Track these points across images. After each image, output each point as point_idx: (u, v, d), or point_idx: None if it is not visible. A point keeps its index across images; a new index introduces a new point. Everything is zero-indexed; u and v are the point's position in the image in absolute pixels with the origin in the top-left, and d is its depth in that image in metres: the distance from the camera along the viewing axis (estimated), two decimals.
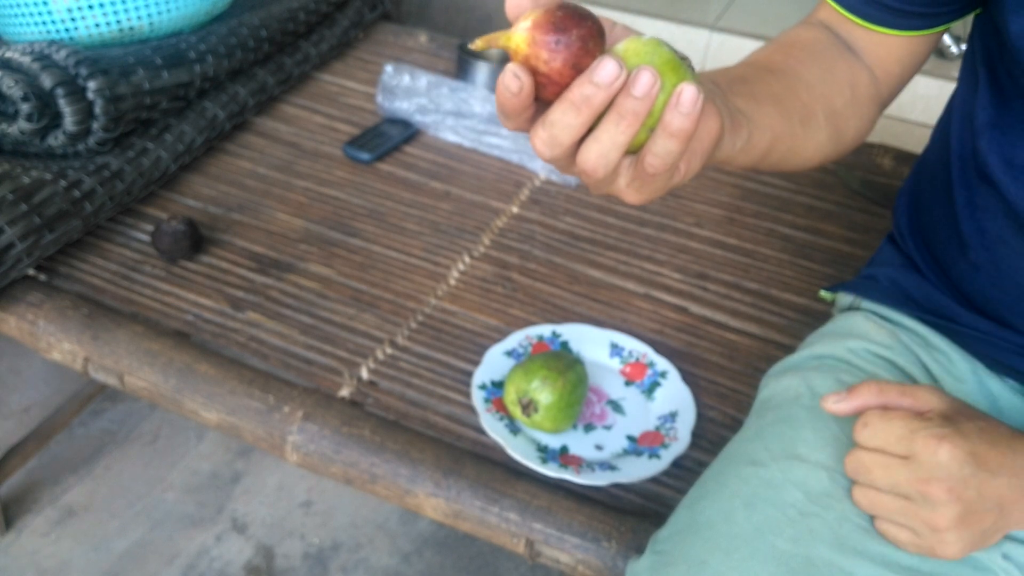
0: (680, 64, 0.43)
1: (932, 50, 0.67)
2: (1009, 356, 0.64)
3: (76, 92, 0.96)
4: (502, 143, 1.20)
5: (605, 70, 0.40)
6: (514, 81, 0.41)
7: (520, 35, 0.41)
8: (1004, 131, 0.60)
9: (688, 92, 0.41)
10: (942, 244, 0.68)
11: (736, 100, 0.54)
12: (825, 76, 0.63)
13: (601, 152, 0.43)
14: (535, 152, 0.44)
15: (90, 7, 1.02)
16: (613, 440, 0.83)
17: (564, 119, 0.42)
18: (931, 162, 0.71)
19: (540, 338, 0.91)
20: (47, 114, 0.95)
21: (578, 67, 0.41)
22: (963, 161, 0.65)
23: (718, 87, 0.53)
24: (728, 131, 0.50)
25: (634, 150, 0.44)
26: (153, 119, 1.08)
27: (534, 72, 0.41)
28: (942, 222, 0.67)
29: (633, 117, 0.41)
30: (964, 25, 1.77)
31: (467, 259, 1.03)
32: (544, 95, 0.42)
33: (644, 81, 0.40)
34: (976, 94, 0.63)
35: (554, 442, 0.82)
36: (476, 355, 0.90)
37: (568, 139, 0.42)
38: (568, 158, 0.44)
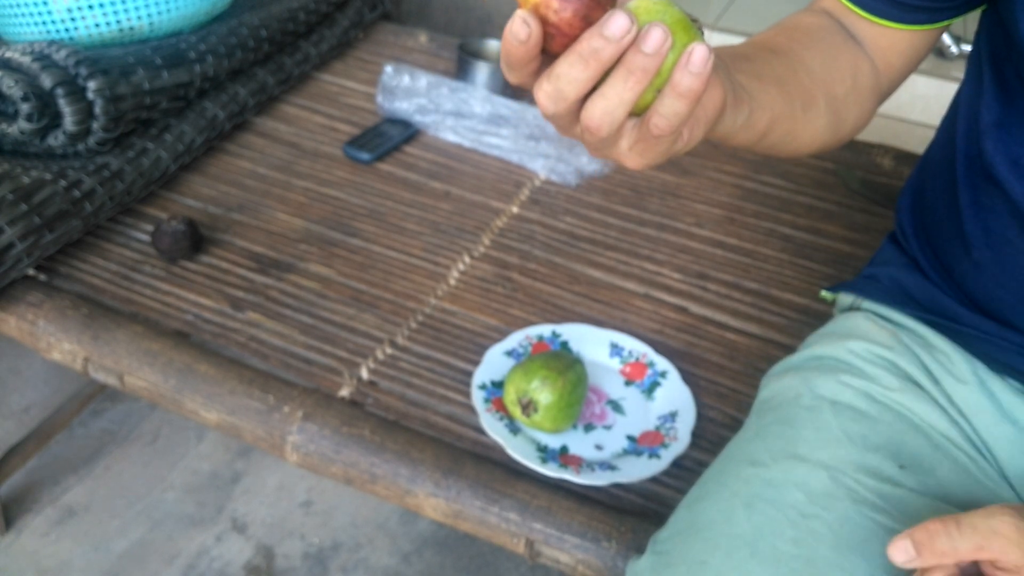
0: (691, 25, 0.42)
1: (934, 45, 0.67)
2: (1011, 356, 0.63)
3: (76, 92, 0.96)
4: (502, 143, 1.20)
5: (616, 23, 0.39)
6: (523, 28, 0.40)
7: None
8: (1010, 130, 0.60)
9: (699, 51, 0.40)
10: (946, 243, 0.68)
11: (739, 77, 0.53)
12: (827, 63, 0.63)
13: (607, 109, 0.42)
14: (538, 106, 0.43)
15: (90, 7, 1.02)
16: (613, 440, 0.83)
17: (571, 72, 0.41)
18: (935, 161, 0.71)
19: (540, 338, 0.91)
20: (47, 114, 0.95)
21: (588, 19, 0.40)
22: (968, 160, 0.65)
23: (721, 62, 0.52)
24: (730, 106, 0.50)
25: (639, 111, 0.43)
26: (153, 119, 1.08)
27: (543, 21, 0.40)
28: (946, 221, 0.67)
29: (642, 74, 0.40)
30: (964, 25, 1.76)
31: (467, 259, 1.03)
32: (551, 47, 0.41)
33: (655, 37, 0.39)
34: (982, 93, 0.63)
35: (554, 442, 0.82)
36: (476, 355, 0.90)
37: (573, 93, 0.41)
38: (571, 115, 0.43)
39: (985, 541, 0.47)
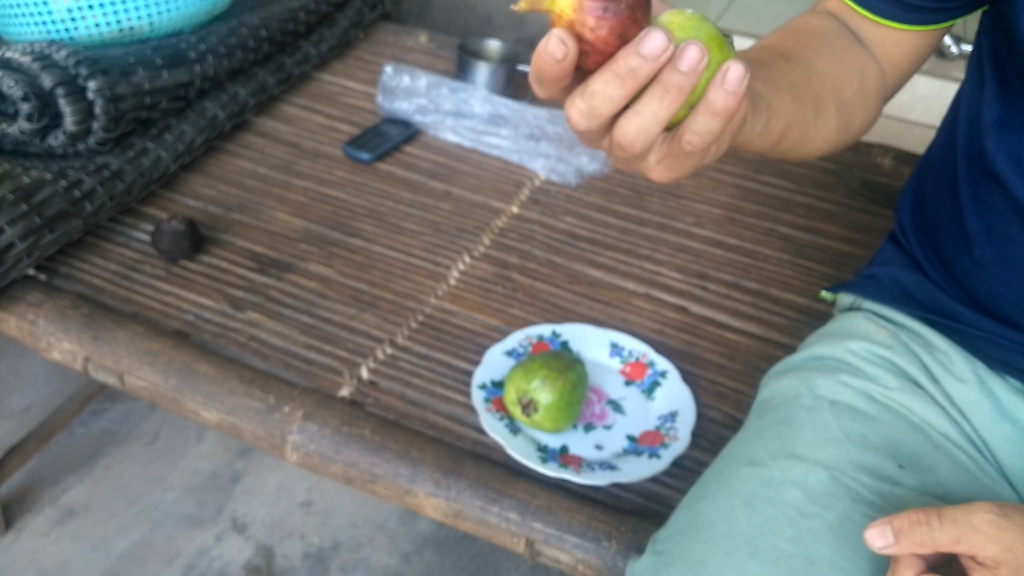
0: (724, 41, 0.42)
1: (937, 45, 0.68)
2: (1012, 355, 0.64)
3: (76, 92, 0.96)
4: (502, 143, 1.20)
5: (654, 42, 0.39)
6: (559, 48, 0.39)
7: (566, 0, 0.40)
8: (1011, 129, 0.60)
9: (735, 70, 0.40)
10: (947, 241, 0.68)
11: (755, 84, 0.53)
12: (835, 66, 0.63)
13: (641, 127, 0.41)
14: (569, 123, 0.43)
15: (90, 7, 1.02)
16: (613, 440, 0.83)
17: (606, 90, 0.40)
18: (937, 160, 0.71)
19: (540, 338, 0.91)
20: (47, 114, 0.95)
21: (624, 37, 0.40)
22: (970, 159, 0.65)
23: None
24: (749, 115, 0.50)
25: (670, 126, 0.43)
26: (153, 119, 1.08)
27: (577, 39, 0.40)
28: (948, 219, 0.67)
29: (678, 92, 0.40)
30: (963, 26, 1.76)
31: (467, 259, 1.03)
32: (585, 64, 0.41)
33: (692, 56, 0.39)
34: (983, 92, 0.63)
35: (554, 442, 0.82)
36: (476, 355, 0.90)
37: (608, 111, 0.41)
38: (601, 131, 0.43)
39: (963, 535, 0.47)
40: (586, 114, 0.42)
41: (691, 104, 0.42)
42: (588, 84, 0.41)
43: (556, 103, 1.26)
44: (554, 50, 0.39)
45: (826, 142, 0.63)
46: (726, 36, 0.42)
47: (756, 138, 0.53)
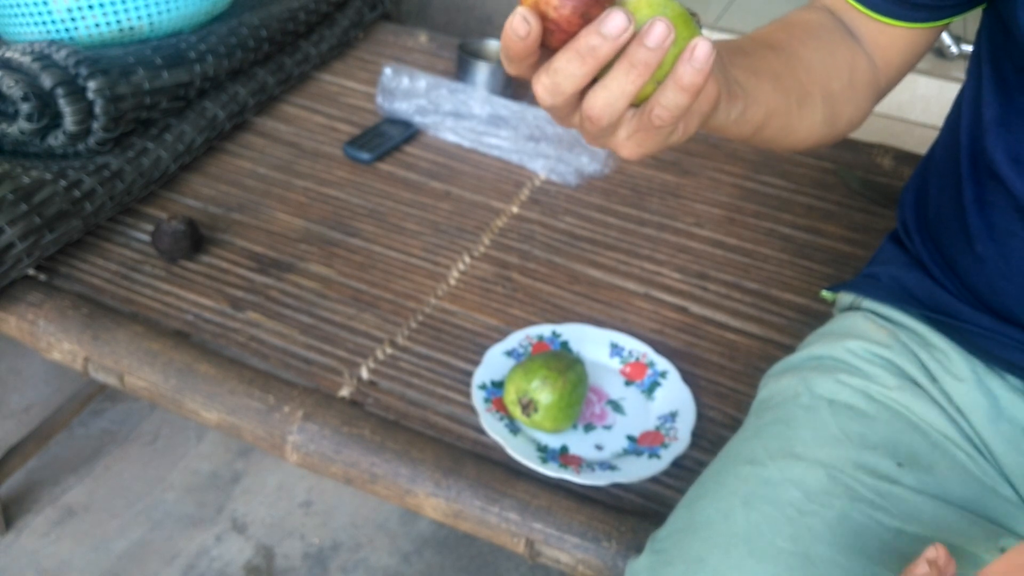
0: (691, 19, 0.43)
1: (933, 43, 0.67)
2: (1012, 353, 0.64)
3: (76, 92, 0.96)
4: (502, 143, 1.20)
5: (613, 22, 0.40)
6: (522, 25, 0.41)
7: None
8: (1009, 128, 0.60)
9: (703, 47, 0.41)
10: (950, 238, 0.68)
11: (735, 72, 0.54)
12: (825, 59, 0.63)
13: (608, 100, 0.43)
14: (536, 98, 0.45)
15: (90, 7, 1.02)
16: (613, 440, 0.83)
17: (568, 67, 0.42)
18: (940, 158, 0.71)
19: (540, 338, 0.91)
20: (47, 114, 0.95)
21: (587, 16, 0.41)
22: (972, 157, 0.65)
23: (718, 57, 0.53)
24: (724, 100, 0.51)
25: (638, 102, 0.44)
26: (153, 119, 1.08)
27: (542, 18, 0.41)
28: (950, 216, 0.67)
29: (644, 68, 0.41)
30: (963, 25, 1.76)
31: (467, 259, 1.03)
32: (550, 42, 0.43)
33: (658, 32, 0.40)
34: (982, 90, 0.63)
35: (554, 442, 0.82)
36: (476, 355, 0.90)
37: (570, 88, 0.43)
38: (568, 107, 0.45)
39: None
40: (550, 90, 0.43)
41: (658, 79, 0.43)
42: (552, 62, 0.43)
43: None
44: (518, 27, 0.41)
45: (811, 134, 0.63)
46: (693, 15, 0.44)
47: (732, 124, 0.54)
